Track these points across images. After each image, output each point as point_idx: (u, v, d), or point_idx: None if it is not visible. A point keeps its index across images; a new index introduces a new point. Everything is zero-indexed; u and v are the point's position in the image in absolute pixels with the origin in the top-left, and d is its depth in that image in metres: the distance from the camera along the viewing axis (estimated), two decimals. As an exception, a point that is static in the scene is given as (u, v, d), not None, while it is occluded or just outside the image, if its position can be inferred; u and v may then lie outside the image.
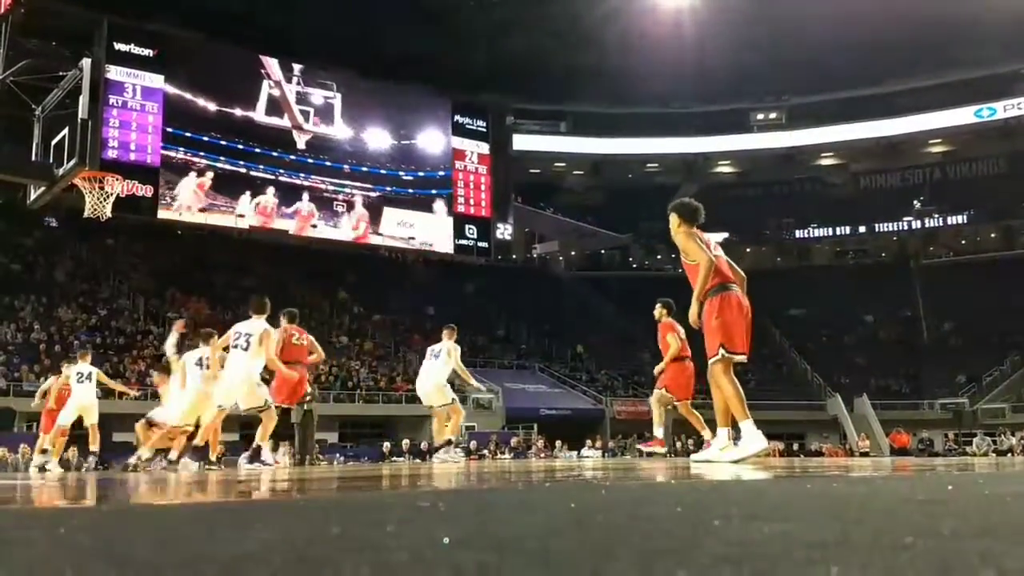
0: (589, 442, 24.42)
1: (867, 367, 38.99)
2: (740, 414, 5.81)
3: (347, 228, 38.49)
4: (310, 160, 38.07)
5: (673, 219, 6.19)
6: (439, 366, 10.86)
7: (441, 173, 41.70)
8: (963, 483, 3.59)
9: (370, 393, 29.01)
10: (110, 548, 1.60)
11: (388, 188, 39.89)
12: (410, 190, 40.57)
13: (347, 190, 38.68)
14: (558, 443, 24.44)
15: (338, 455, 21.56)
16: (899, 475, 5.12)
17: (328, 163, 38.52)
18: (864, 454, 26.04)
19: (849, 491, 3.15)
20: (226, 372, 9.22)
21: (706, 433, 9.65)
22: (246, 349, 9.01)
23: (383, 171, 39.93)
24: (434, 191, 41.29)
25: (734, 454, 5.93)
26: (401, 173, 40.50)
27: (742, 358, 5.89)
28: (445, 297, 39.34)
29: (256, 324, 9.21)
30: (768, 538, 1.53)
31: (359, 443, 26.24)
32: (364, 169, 39.37)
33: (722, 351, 5.78)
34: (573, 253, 51.62)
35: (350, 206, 38.61)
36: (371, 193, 39.28)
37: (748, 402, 5.89)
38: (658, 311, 9.97)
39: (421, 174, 41.07)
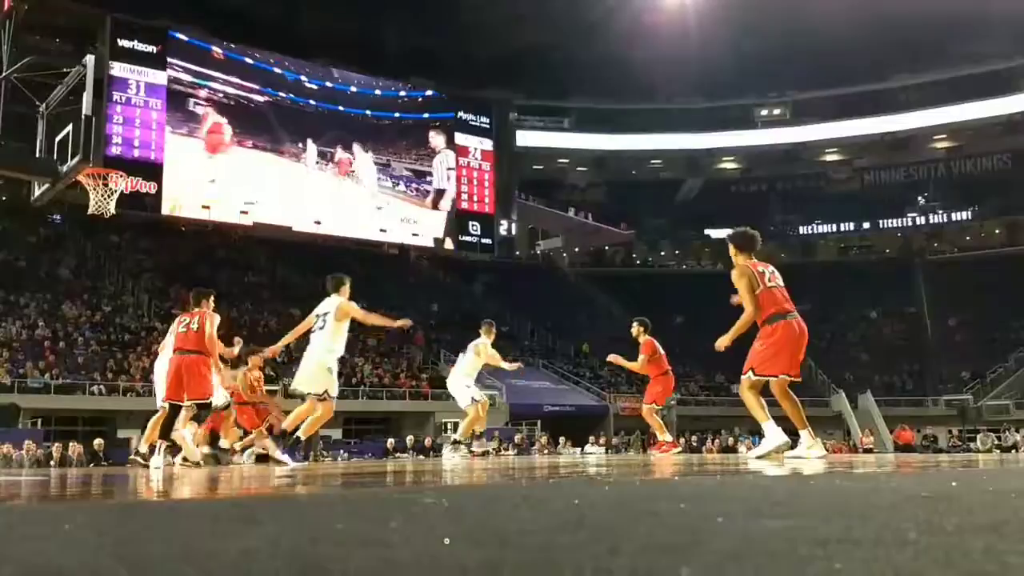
0: (592, 439, 24.41)
1: (871, 363, 38.92)
2: (761, 417, 6.33)
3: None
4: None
5: (731, 248, 6.38)
6: (460, 363, 10.84)
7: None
8: (967, 479, 3.59)
9: (374, 389, 29.01)
10: (115, 544, 1.61)
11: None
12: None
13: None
14: (561, 440, 24.44)
15: (342, 451, 21.56)
16: (903, 471, 5.12)
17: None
18: (868, 451, 25.98)
19: (853, 487, 3.15)
20: (304, 356, 8.50)
21: (666, 435, 10.82)
22: (322, 328, 8.26)
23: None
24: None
25: (758, 451, 6.76)
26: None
27: (785, 378, 6.30)
28: (449, 294, 39.35)
29: (331, 300, 8.46)
30: (772, 534, 1.53)
31: (363, 439, 26.26)
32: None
33: (750, 373, 6.21)
34: (576, 250, 51.59)
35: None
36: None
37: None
38: (636, 329, 10.66)
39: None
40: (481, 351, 10.55)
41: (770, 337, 6.15)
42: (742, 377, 6.32)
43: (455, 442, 10.86)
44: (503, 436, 24.65)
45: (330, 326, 8.16)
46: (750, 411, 6.39)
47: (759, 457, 6.60)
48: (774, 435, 6.32)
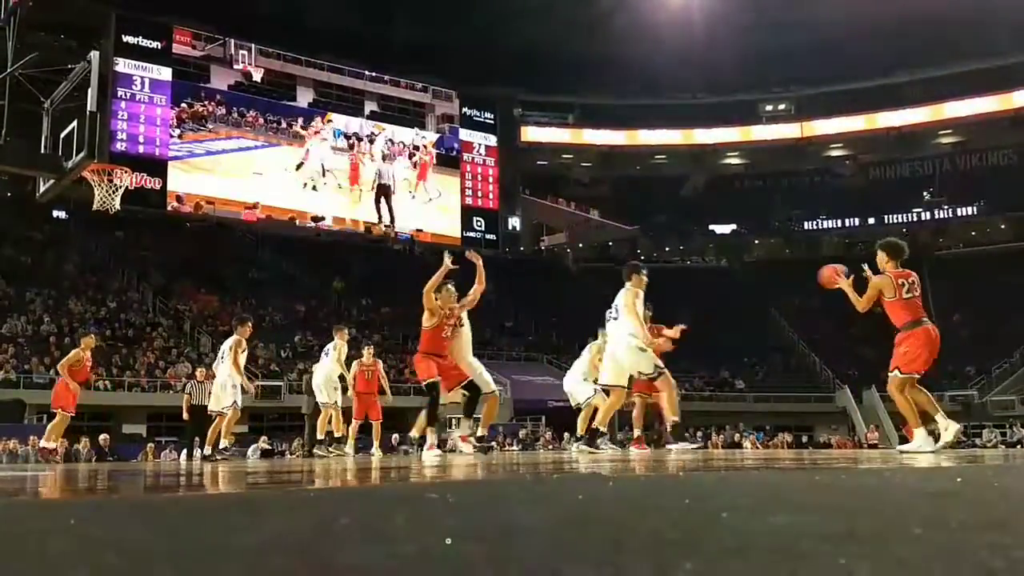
0: (597, 434, 24.38)
1: (876, 359, 38.72)
2: (913, 422, 7.08)
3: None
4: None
5: (880, 256, 7.23)
6: (576, 366, 11.44)
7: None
8: (972, 475, 3.58)
9: (378, 384, 29.07)
10: (121, 539, 1.61)
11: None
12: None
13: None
14: (566, 435, 24.43)
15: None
16: (908, 467, 5.12)
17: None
18: (873, 446, 25.97)
19: (857, 483, 3.15)
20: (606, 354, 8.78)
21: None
22: (616, 319, 8.58)
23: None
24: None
25: (907, 446, 7.36)
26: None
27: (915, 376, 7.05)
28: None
29: (623, 291, 8.56)
30: (775, 529, 1.53)
31: (367, 434, 26.26)
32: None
33: (897, 372, 7.00)
34: (581, 245, 51.54)
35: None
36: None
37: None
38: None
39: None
40: (596, 353, 10.99)
41: (910, 340, 6.90)
42: (890, 375, 7.04)
43: (601, 433, 10.56)
44: (507, 431, 24.69)
45: (622, 315, 8.55)
46: (901, 411, 7.07)
47: (907, 452, 7.10)
48: (923, 440, 6.96)
